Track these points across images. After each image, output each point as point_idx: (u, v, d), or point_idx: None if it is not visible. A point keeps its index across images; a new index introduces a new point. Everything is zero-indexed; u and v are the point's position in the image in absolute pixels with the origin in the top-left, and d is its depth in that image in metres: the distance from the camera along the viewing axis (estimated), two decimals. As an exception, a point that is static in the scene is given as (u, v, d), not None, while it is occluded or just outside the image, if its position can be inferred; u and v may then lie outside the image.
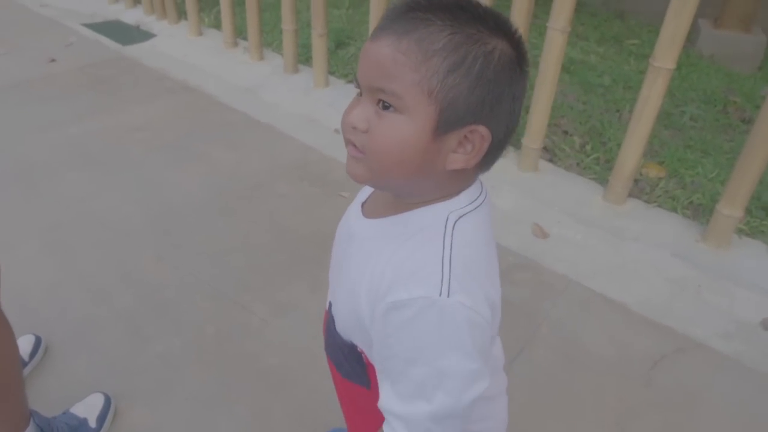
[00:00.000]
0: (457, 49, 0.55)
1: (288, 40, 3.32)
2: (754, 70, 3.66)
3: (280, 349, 1.67)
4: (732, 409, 1.59)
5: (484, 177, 0.69)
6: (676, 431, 1.53)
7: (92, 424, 1.39)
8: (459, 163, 0.60)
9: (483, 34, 0.56)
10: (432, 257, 0.60)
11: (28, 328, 1.63)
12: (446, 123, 0.57)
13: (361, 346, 0.71)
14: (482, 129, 0.58)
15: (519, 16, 2.26)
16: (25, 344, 1.56)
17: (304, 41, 3.52)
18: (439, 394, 0.59)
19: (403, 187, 0.63)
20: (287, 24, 3.26)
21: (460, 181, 0.64)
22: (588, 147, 2.65)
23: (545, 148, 2.56)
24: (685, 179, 2.44)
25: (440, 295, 0.58)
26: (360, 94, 0.61)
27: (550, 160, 2.60)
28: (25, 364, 1.53)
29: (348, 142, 0.62)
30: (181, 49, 3.82)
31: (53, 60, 3.60)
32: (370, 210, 0.72)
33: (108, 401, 1.45)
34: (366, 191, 0.77)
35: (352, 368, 0.75)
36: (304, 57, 3.50)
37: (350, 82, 3.31)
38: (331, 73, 3.35)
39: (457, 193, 0.64)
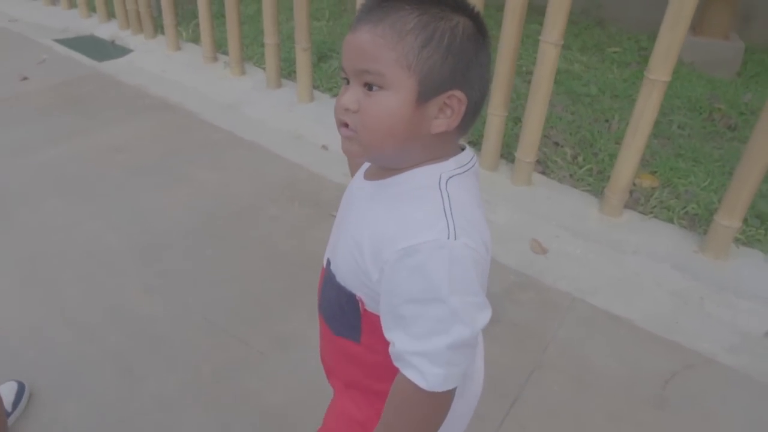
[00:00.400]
0: (426, 26, 0.65)
1: (270, 54, 3.24)
2: (733, 75, 3.71)
3: (282, 385, 1.59)
4: (751, 428, 1.57)
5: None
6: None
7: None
8: (442, 127, 0.69)
9: (446, 12, 0.66)
10: (435, 208, 0.68)
11: (9, 373, 1.53)
12: (426, 92, 0.66)
13: (360, 293, 0.77)
14: (458, 93, 0.68)
15: (510, 27, 2.23)
16: (7, 392, 1.45)
17: (286, 55, 3.44)
18: (456, 326, 0.67)
19: (394, 156, 0.71)
20: (269, 38, 3.18)
21: (444, 143, 0.72)
22: (580, 158, 2.63)
23: (537, 161, 2.53)
24: (678, 189, 2.44)
25: (448, 238, 0.65)
26: (347, 83, 0.70)
27: (543, 173, 2.57)
28: (8, 414, 1.42)
29: (340, 124, 0.70)
30: (159, 64, 3.70)
31: (25, 78, 3.46)
32: (370, 174, 0.80)
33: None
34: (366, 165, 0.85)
35: (347, 320, 0.81)
36: (286, 71, 3.42)
37: (335, 96, 3.25)
38: (315, 87, 3.29)
39: (446, 157, 0.73)
